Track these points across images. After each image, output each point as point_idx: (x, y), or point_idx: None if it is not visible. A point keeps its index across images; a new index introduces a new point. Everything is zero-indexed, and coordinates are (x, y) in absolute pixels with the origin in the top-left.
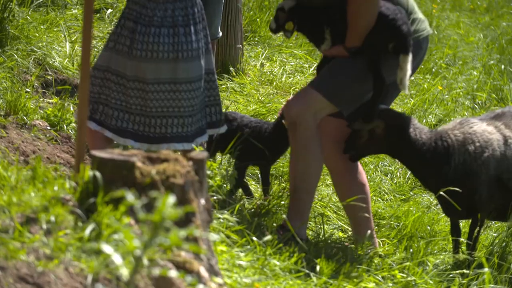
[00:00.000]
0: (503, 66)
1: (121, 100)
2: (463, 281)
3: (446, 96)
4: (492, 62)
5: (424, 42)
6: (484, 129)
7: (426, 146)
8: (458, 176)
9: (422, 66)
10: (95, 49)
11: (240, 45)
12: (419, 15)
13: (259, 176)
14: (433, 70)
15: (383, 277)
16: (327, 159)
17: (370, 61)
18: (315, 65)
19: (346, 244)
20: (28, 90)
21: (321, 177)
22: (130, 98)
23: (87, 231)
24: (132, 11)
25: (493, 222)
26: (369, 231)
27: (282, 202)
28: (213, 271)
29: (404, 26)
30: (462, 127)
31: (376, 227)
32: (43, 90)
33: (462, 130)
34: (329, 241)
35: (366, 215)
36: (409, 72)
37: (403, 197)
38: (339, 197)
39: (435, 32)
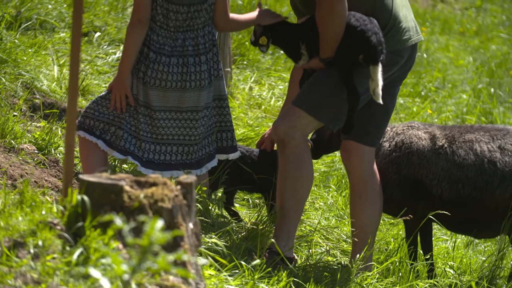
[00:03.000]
0: (492, 89)
1: (131, 124)
2: None
3: (436, 120)
4: (481, 85)
5: (406, 52)
6: (416, 133)
7: None
8: None
9: (412, 90)
10: (83, 73)
11: (229, 69)
12: (408, 23)
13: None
14: (423, 93)
15: None
16: (350, 179)
17: (342, 73)
18: None
19: (335, 267)
20: (15, 113)
21: (310, 200)
22: (140, 124)
23: (75, 256)
24: (147, 36)
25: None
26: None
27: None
28: None
29: (373, 36)
30: (403, 126)
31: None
32: (31, 114)
33: (398, 130)
34: (318, 265)
35: (370, 243)
36: (380, 82)
37: (392, 221)
38: (350, 214)
39: (424, 55)
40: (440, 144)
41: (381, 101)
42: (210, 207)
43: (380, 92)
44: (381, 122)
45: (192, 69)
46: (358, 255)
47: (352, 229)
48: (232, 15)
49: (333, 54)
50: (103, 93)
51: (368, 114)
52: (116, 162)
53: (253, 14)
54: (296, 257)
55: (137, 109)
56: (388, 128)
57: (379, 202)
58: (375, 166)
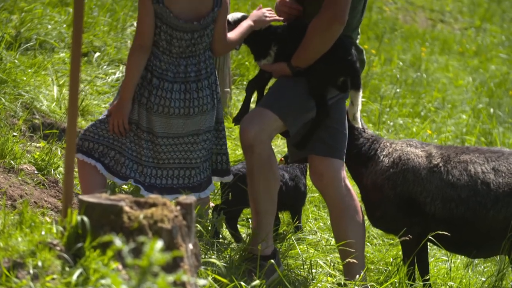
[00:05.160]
0: (492, 110)
1: (132, 149)
2: None
3: (435, 140)
4: (481, 105)
5: None
6: (413, 151)
7: (360, 141)
8: (368, 184)
9: (411, 110)
10: (83, 93)
11: (228, 89)
12: None
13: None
14: (422, 113)
15: None
16: (327, 199)
17: (314, 90)
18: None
19: None
20: (15, 134)
21: (309, 222)
22: (142, 149)
23: (75, 276)
24: (149, 61)
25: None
26: (361, 273)
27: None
28: None
29: (357, 62)
30: (401, 143)
31: None
32: (31, 134)
33: (397, 146)
34: (319, 285)
35: (359, 258)
36: (360, 107)
37: (392, 241)
38: (334, 236)
39: (424, 75)
40: (436, 162)
41: (360, 125)
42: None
43: (359, 117)
44: (335, 131)
45: (195, 95)
46: (357, 276)
47: (340, 248)
48: (228, 36)
49: (305, 66)
50: (102, 116)
51: (321, 126)
52: (116, 183)
53: (244, 23)
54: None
55: (139, 134)
56: (388, 144)
57: (358, 216)
58: (347, 181)
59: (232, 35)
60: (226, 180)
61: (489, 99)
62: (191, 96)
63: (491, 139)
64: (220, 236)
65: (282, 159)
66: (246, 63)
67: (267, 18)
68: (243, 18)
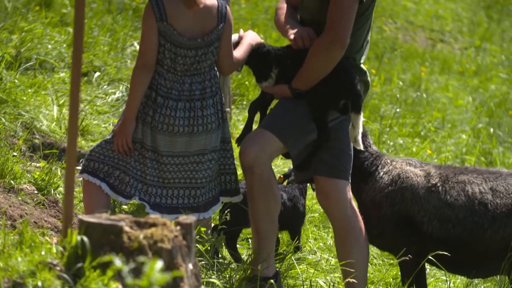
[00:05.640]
0: (492, 129)
1: (136, 169)
2: None
3: (435, 160)
4: (480, 125)
5: None
6: (412, 170)
7: (364, 156)
8: (367, 201)
9: (411, 130)
10: (83, 113)
11: (228, 109)
12: None
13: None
14: (422, 133)
15: None
16: (332, 219)
17: (316, 113)
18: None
19: None
20: (15, 154)
21: (309, 242)
22: (147, 168)
23: None
24: (154, 80)
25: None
26: None
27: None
28: None
29: (358, 84)
30: (401, 162)
31: None
32: (31, 154)
33: (397, 164)
34: None
35: (362, 279)
36: (361, 129)
37: (392, 261)
38: (338, 257)
39: (424, 95)
40: (434, 182)
41: (362, 147)
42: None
43: (360, 139)
44: (338, 152)
45: (199, 113)
46: None
47: (343, 268)
48: (234, 55)
49: (305, 88)
50: (107, 137)
51: (323, 148)
52: (116, 203)
53: (245, 42)
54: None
55: (143, 153)
56: (388, 161)
57: (363, 237)
58: (353, 202)
59: (238, 54)
60: (236, 200)
61: (489, 119)
62: (195, 114)
63: (491, 159)
64: (220, 255)
65: (281, 176)
66: (246, 83)
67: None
68: (240, 39)
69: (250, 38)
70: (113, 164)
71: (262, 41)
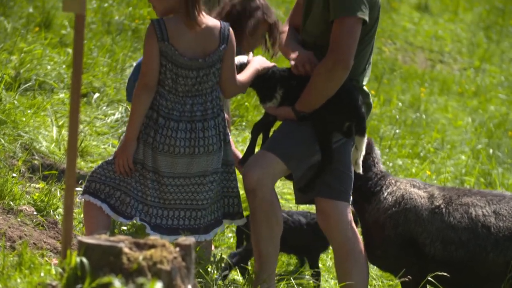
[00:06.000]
0: (491, 150)
1: (138, 190)
2: None
3: (435, 181)
4: (480, 146)
5: None
6: (416, 191)
7: (369, 175)
8: (370, 222)
9: (410, 151)
10: (82, 134)
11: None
12: None
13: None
14: (421, 154)
15: None
16: (332, 241)
17: (320, 136)
18: None
19: None
20: (14, 175)
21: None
22: (148, 189)
23: None
24: (155, 101)
25: None
26: None
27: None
28: None
29: (363, 107)
30: (406, 183)
31: None
32: (30, 175)
33: (401, 185)
34: None
35: None
36: (363, 152)
37: (391, 282)
38: (338, 278)
39: (423, 116)
40: (437, 204)
41: (361, 171)
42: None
43: (361, 163)
44: (340, 174)
45: (200, 135)
46: None
47: None
48: (238, 78)
49: (309, 110)
50: (109, 158)
51: (327, 169)
52: (115, 224)
53: (251, 66)
54: None
55: (144, 174)
56: (393, 181)
57: (363, 259)
58: (353, 224)
59: (242, 77)
60: (239, 223)
61: (489, 139)
62: (196, 135)
63: (491, 180)
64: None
65: None
66: (246, 104)
67: (269, 63)
68: (247, 62)
69: (257, 62)
70: (114, 185)
71: (273, 64)
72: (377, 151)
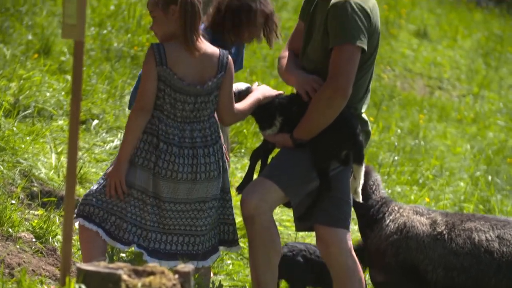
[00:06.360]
0: (490, 177)
1: (136, 215)
2: None
3: (433, 208)
4: (479, 173)
5: None
6: (419, 219)
7: (370, 203)
8: (372, 249)
9: (409, 177)
10: (81, 161)
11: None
12: None
13: None
14: (420, 181)
15: None
16: (331, 268)
17: (318, 164)
18: None
19: None
20: (13, 202)
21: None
22: (147, 214)
23: None
24: (153, 126)
25: None
26: None
27: None
28: None
29: (361, 135)
30: (409, 209)
31: None
32: (29, 202)
33: (404, 212)
34: None
35: None
36: (362, 181)
37: None
38: None
39: (422, 143)
40: (440, 230)
41: (361, 200)
42: None
43: (360, 191)
44: (338, 201)
45: (202, 161)
46: None
47: None
48: (236, 106)
49: (307, 138)
50: (99, 180)
51: (325, 197)
52: (114, 251)
53: (253, 96)
54: None
55: (145, 200)
56: (396, 208)
57: (362, 287)
58: (352, 252)
59: (241, 106)
60: (234, 250)
61: (487, 166)
62: (198, 161)
63: (489, 207)
64: None
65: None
66: (244, 131)
67: (273, 92)
68: (248, 89)
69: (260, 92)
70: (108, 209)
71: (278, 93)
72: (376, 176)
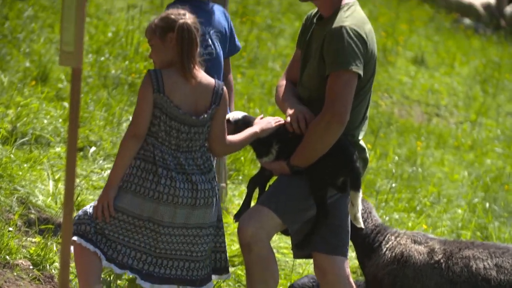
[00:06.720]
0: (487, 204)
1: (129, 237)
2: None
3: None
4: (476, 200)
5: None
6: (416, 247)
7: (364, 232)
8: (369, 277)
9: (407, 205)
10: (79, 188)
11: (224, 184)
12: None
13: None
14: (418, 208)
15: None
16: None
17: (315, 191)
18: None
19: None
20: (11, 229)
21: None
22: (141, 236)
23: None
24: (148, 152)
25: None
26: None
27: None
28: None
29: (358, 162)
30: (406, 238)
31: None
32: (26, 229)
33: (401, 241)
34: None
35: None
36: (360, 207)
37: None
38: None
39: (419, 170)
40: (437, 259)
41: (362, 225)
42: None
43: (361, 217)
44: (336, 228)
45: (201, 187)
46: None
47: None
48: (228, 138)
49: (304, 165)
50: (93, 203)
51: (322, 224)
52: (111, 277)
53: (251, 129)
54: None
55: (137, 224)
56: (392, 237)
57: None
58: (350, 279)
59: (235, 138)
60: (225, 278)
61: (485, 193)
62: (197, 187)
63: (487, 234)
64: None
65: None
66: (242, 158)
67: (273, 125)
68: (245, 118)
69: (259, 127)
70: (101, 231)
71: (274, 129)
72: (367, 204)
